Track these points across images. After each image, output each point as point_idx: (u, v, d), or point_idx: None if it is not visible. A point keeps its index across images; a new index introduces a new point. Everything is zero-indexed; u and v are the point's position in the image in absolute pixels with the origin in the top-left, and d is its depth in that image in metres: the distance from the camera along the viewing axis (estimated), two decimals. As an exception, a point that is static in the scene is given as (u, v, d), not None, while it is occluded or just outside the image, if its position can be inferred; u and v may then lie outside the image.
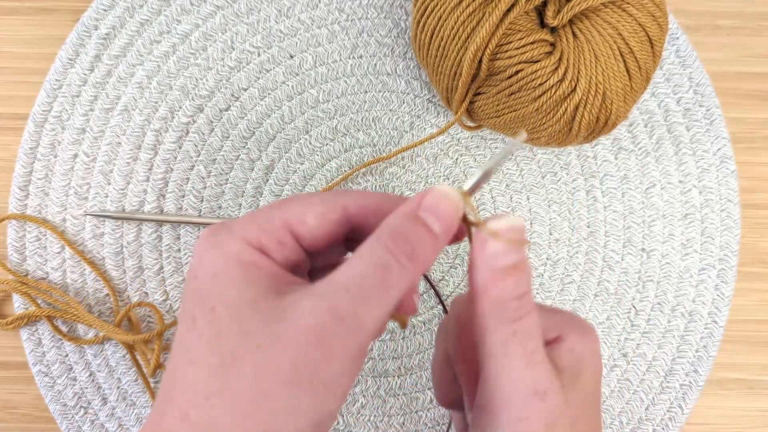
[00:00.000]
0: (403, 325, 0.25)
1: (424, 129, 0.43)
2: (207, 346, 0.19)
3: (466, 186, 0.21)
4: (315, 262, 0.24)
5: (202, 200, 0.42)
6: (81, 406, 0.41)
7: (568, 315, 0.24)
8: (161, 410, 0.20)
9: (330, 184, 0.42)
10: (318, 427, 0.19)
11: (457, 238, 0.22)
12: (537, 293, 0.42)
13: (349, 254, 0.22)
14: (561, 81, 0.34)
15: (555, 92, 0.34)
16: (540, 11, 0.35)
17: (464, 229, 0.22)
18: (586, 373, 0.23)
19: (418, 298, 0.24)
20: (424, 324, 0.42)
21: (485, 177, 0.21)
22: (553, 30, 0.35)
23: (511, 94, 0.35)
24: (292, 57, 0.43)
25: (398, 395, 0.42)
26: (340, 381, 0.19)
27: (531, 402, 0.21)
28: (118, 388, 0.41)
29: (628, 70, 0.35)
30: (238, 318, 0.19)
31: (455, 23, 0.35)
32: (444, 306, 0.42)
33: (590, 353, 0.23)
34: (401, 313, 0.24)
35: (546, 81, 0.34)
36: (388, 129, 0.43)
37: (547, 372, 0.21)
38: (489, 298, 0.21)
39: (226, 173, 0.42)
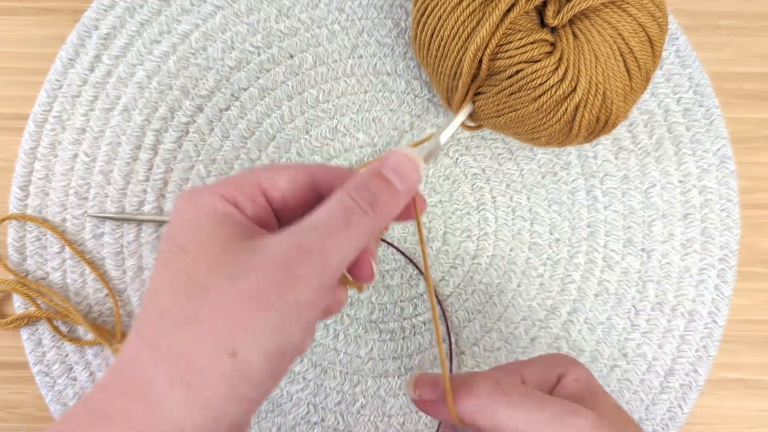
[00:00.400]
0: (360, 290, 0.26)
1: (424, 129, 0.43)
2: (176, 280, 0.20)
3: (422, 152, 0.24)
4: (284, 225, 0.25)
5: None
6: (81, 406, 0.41)
7: (555, 356, 0.28)
8: (132, 343, 0.21)
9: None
10: (282, 352, 0.20)
11: (408, 214, 0.25)
12: (537, 293, 0.42)
13: None
14: (561, 81, 0.34)
15: (555, 92, 0.34)
16: (540, 11, 0.35)
17: (422, 199, 0.25)
18: (598, 388, 0.26)
19: (376, 264, 0.25)
20: (425, 324, 0.42)
21: (437, 149, 0.24)
22: (553, 30, 0.35)
23: (512, 94, 0.35)
24: (292, 57, 0.43)
25: (398, 395, 0.42)
26: (305, 308, 0.20)
27: (572, 420, 0.23)
28: (118, 388, 0.41)
29: (628, 70, 0.35)
30: (209, 255, 0.21)
31: (455, 23, 0.35)
32: (441, 304, 0.42)
33: (590, 376, 0.26)
34: (360, 275, 0.25)
35: (546, 81, 0.34)
36: (388, 129, 0.43)
37: (558, 399, 0.24)
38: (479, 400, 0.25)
39: (226, 173, 0.42)
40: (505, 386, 0.24)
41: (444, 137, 0.24)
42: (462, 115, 0.23)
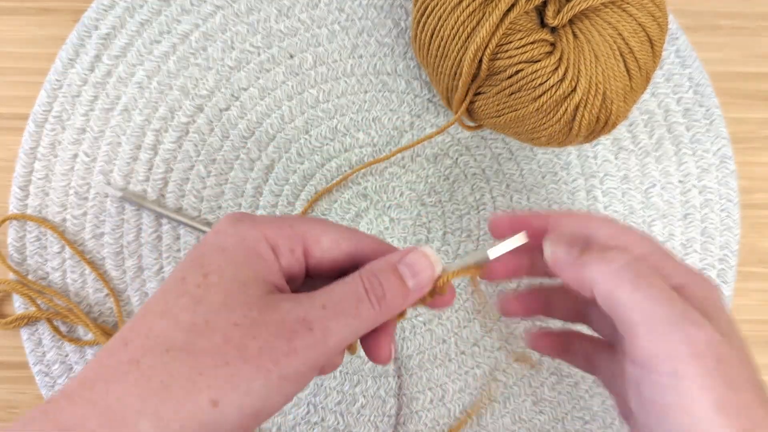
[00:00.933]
0: (353, 352, 0.26)
1: (424, 129, 0.43)
2: (186, 305, 0.20)
3: (465, 261, 0.24)
4: (310, 286, 0.25)
5: (202, 200, 0.42)
6: (81, 406, 0.41)
7: (684, 267, 0.25)
8: (113, 349, 0.20)
9: (329, 185, 0.42)
10: (258, 415, 0.21)
11: (441, 304, 0.25)
12: (537, 293, 0.42)
13: None
14: (561, 81, 0.34)
15: (555, 92, 0.34)
16: (540, 11, 0.35)
17: (447, 300, 0.25)
18: (720, 310, 0.23)
19: (390, 350, 0.26)
20: (425, 324, 0.42)
21: (476, 267, 0.24)
22: (553, 30, 0.35)
23: (512, 94, 0.35)
24: (292, 57, 0.43)
25: (398, 395, 0.42)
26: (294, 378, 0.21)
27: (690, 332, 0.21)
28: (118, 388, 0.41)
29: (628, 70, 0.35)
30: (226, 291, 0.21)
31: (455, 23, 0.35)
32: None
33: (717, 296, 0.24)
34: (377, 355, 0.25)
35: (546, 81, 0.34)
36: (388, 129, 0.43)
37: (684, 305, 0.22)
38: (591, 272, 0.23)
39: (226, 173, 0.42)
40: (640, 266, 0.22)
41: (494, 253, 0.24)
42: (518, 240, 0.24)
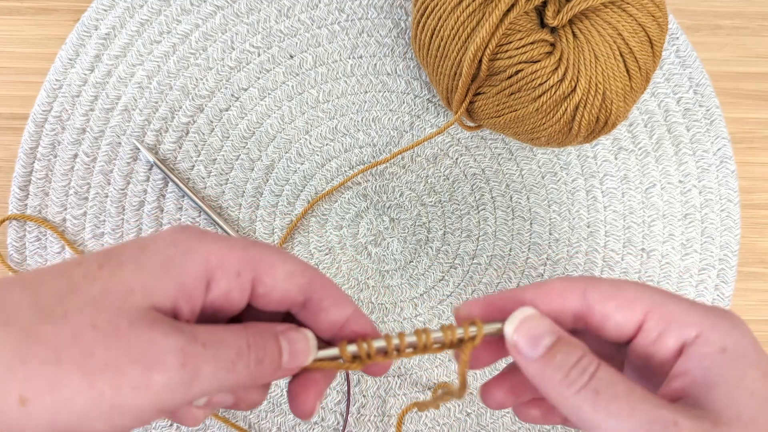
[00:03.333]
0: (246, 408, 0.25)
1: (424, 129, 0.43)
2: (59, 287, 0.19)
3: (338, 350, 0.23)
4: (249, 316, 0.24)
5: (202, 200, 0.42)
6: (81, 406, 0.41)
7: (699, 309, 0.22)
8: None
9: (330, 188, 0.42)
10: (73, 429, 0.18)
11: (357, 366, 0.23)
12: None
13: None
14: (561, 81, 0.34)
15: (555, 92, 0.34)
16: (540, 11, 0.35)
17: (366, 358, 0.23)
18: (747, 349, 0.20)
19: (320, 403, 0.24)
20: (424, 324, 0.42)
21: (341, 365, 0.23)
22: (553, 30, 0.35)
23: (511, 94, 0.35)
24: (292, 57, 0.43)
25: (398, 395, 0.42)
26: (125, 415, 0.18)
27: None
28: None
29: (628, 70, 0.35)
30: (107, 290, 0.19)
31: (455, 23, 0.35)
32: (349, 389, 0.41)
33: (741, 335, 0.20)
34: (298, 410, 0.24)
35: (546, 81, 0.34)
36: (388, 129, 0.43)
37: (659, 404, 0.19)
38: (552, 384, 0.21)
39: (226, 173, 0.43)
40: (599, 382, 0.20)
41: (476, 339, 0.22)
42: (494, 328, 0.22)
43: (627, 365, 0.25)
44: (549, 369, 0.21)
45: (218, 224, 0.42)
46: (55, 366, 0.17)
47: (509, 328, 0.22)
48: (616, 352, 0.24)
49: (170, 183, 0.42)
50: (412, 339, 0.23)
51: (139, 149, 0.42)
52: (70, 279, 0.19)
